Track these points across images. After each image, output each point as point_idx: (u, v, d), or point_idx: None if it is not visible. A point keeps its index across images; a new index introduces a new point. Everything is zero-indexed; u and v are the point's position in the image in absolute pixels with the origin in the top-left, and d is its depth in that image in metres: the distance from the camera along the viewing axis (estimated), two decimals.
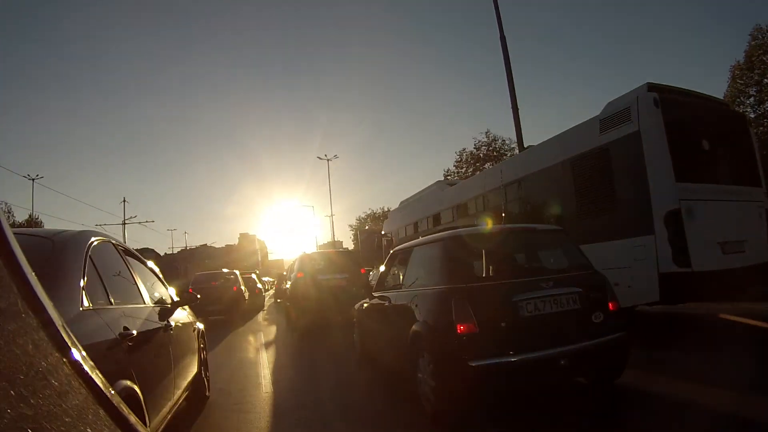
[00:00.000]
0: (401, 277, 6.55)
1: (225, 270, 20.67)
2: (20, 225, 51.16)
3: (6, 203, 52.86)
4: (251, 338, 12.56)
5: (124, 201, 53.69)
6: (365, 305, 7.63)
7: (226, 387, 7.09)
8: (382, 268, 7.56)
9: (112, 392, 0.98)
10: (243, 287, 19.43)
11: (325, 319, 13.06)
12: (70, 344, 0.94)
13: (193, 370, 5.69)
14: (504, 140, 41.96)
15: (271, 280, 52.40)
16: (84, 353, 0.96)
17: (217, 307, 17.19)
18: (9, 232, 0.90)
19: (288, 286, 16.25)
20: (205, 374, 6.44)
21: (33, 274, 0.93)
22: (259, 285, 26.35)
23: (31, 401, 0.79)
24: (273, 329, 14.63)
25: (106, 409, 0.94)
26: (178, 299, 5.58)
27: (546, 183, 10.40)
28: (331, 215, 54.34)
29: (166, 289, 5.52)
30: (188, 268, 62.49)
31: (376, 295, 7.14)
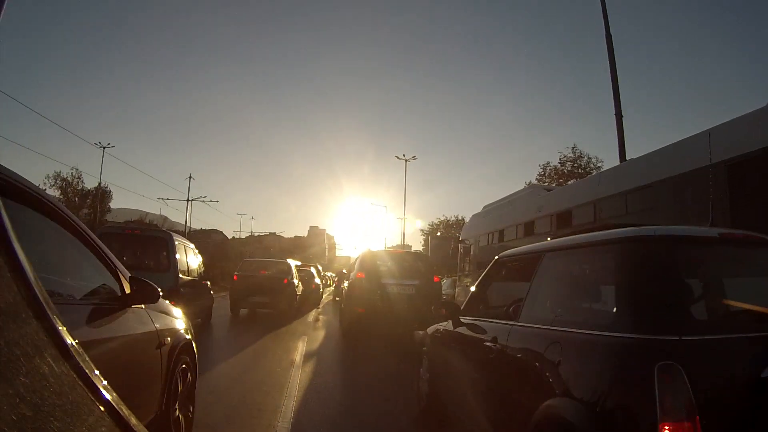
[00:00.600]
0: (518, 300, 3.91)
1: (287, 260, 18.47)
2: (90, 192, 53.14)
3: (77, 169, 53.74)
4: (290, 345, 10.14)
5: (190, 177, 52.28)
6: (443, 331, 5.02)
7: (220, 427, 4.71)
8: (473, 288, 4.96)
9: (113, 393, 0.97)
10: (296, 280, 17.18)
11: (386, 335, 10.61)
12: (69, 345, 0.93)
13: (151, 408, 3.48)
14: (590, 157, 39.69)
15: (333, 275, 50.67)
16: (83, 354, 0.96)
17: (261, 299, 15.06)
18: (11, 233, 0.90)
19: (345, 286, 13.88)
20: (185, 411, 4.13)
21: (34, 274, 0.92)
22: (318, 280, 24.21)
23: (31, 401, 0.79)
24: (320, 335, 12.19)
25: (106, 410, 0.94)
26: (129, 294, 3.23)
27: (688, 190, 7.87)
28: (404, 217, 51.75)
29: (116, 276, 3.18)
30: (254, 254, 61.69)
31: (465, 320, 4.50)
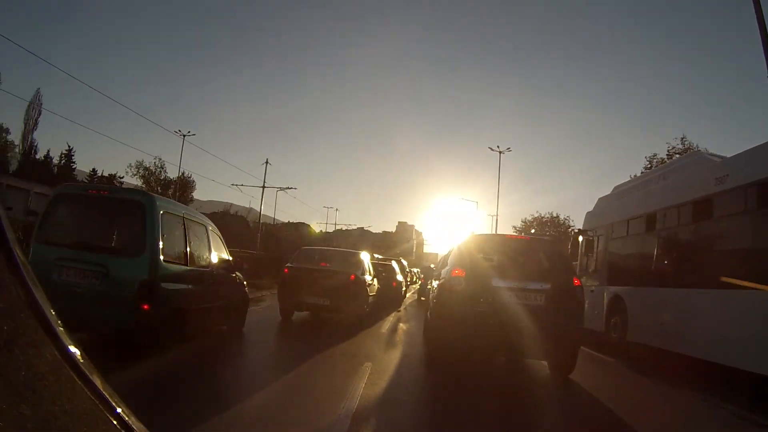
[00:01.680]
0: None
1: (361, 252, 14.47)
2: (173, 181, 52.71)
3: (160, 158, 53.74)
4: (339, 384, 6.09)
5: (266, 162, 49.41)
6: None
7: None
8: None
9: (111, 391, 0.96)
10: (369, 276, 13.24)
11: (503, 376, 6.55)
12: (69, 344, 0.92)
13: None
14: (699, 149, 34.64)
15: (419, 271, 46.81)
16: (82, 353, 0.94)
17: (319, 300, 11.19)
18: (9, 232, 0.88)
19: (434, 286, 9.75)
20: None
21: (33, 274, 0.91)
22: (400, 277, 20.22)
23: (31, 401, 0.79)
24: (392, 363, 8.02)
25: (106, 409, 0.93)
26: None
27: None
28: (496, 214, 47.17)
29: None
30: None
31: None
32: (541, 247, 8.92)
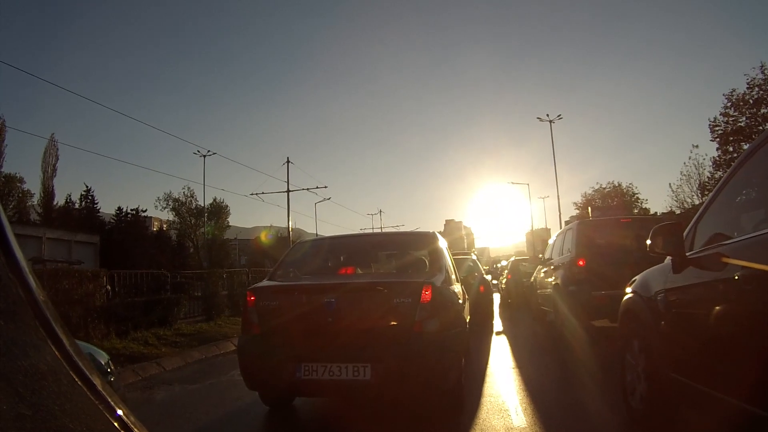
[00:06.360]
0: None
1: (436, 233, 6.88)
2: (204, 209, 51.35)
3: (189, 188, 52.41)
4: None
5: (288, 162, 39.45)
6: None
7: None
8: None
9: (111, 392, 0.93)
10: (459, 287, 6.13)
11: None
12: (68, 345, 0.90)
13: None
14: None
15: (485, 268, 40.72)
16: (82, 353, 0.92)
17: (342, 370, 4.01)
18: (9, 231, 0.86)
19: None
20: None
21: (33, 274, 0.89)
22: (488, 276, 13.84)
23: (31, 401, 0.77)
24: None
25: (106, 409, 0.90)
26: None
27: None
28: (557, 189, 42.37)
29: None
30: None
31: None
32: None
